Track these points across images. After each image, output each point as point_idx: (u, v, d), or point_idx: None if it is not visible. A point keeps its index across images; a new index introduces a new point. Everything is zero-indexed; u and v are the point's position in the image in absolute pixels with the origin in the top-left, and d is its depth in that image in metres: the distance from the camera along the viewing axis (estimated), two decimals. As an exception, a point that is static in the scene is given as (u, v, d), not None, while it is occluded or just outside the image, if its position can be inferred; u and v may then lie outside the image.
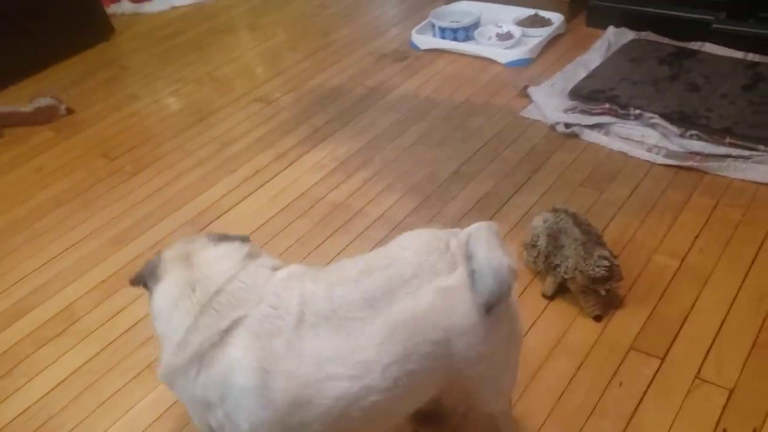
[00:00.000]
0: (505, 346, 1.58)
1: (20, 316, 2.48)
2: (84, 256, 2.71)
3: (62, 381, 2.21)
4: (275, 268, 1.56)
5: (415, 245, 1.51)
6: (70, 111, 3.67)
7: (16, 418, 2.10)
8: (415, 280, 1.45)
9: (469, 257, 1.47)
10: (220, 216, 2.82)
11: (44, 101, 3.64)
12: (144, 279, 1.60)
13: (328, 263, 2.48)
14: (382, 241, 2.59)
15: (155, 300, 1.55)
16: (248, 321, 1.44)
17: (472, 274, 1.45)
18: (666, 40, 3.54)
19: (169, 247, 1.61)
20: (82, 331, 2.39)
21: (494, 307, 1.45)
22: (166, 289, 1.52)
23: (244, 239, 1.65)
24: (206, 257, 1.56)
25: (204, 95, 3.75)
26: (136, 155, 3.29)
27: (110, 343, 2.32)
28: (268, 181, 3.01)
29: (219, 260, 1.55)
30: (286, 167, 3.08)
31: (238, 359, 1.42)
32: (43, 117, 3.61)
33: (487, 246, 1.47)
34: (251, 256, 1.58)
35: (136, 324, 2.38)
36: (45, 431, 2.06)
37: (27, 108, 3.61)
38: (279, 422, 1.44)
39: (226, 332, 1.44)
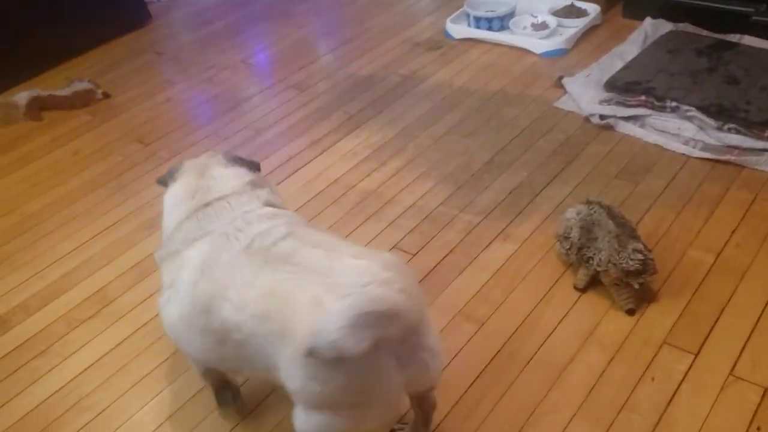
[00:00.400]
0: None
1: (54, 297, 2.51)
2: (117, 240, 2.74)
3: (95, 362, 2.24)
4: (268, 204, 1.74)
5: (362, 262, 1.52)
6: (106, 95, 3.71)
7: (49, 397, 2.14)
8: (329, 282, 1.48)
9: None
10: (253, 202, 2.83)
11: (81, 85, 3.68)
12: (165, 179, 1.88)
13: (359, 251, 2.51)
14: (414, 230, 2.59)
15: (165, 196, 1.85)
16: (214, 234, 1.65)
17: None
18: (704, 32, 3.48)
19: (193, 157, 1.91)
20: (115, 313, 2.41)
21: None
22: (175, 190, 1.82)
23: (254, 166, 1.89)
24: (215, 173, 1.80)
25: (238, 81, 3.76)
26: (170, 140, 3.31)
27: (142, 326, 2.35)
28: (300, 168, 3.01)
29: (223, 179, 1.78)
30: (320, 154, 3.08)
31: (191, 259, 1.66)
32: (80, 101, 3.64)
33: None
34: (254, 184, 1.79)
35: (168, 307, 2.40)
36: (77, 411, 2.08)
37: (64, 91, 3.65)
38: (195, 319, 1.63)
39: (196, 239, 1.68)
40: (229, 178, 1.79)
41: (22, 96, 3.61)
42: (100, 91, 3.69)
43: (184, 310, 1.66)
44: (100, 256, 2.67)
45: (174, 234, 1.74)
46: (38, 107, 3.61)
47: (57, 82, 3.83)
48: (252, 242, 1.59)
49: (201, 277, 1.62)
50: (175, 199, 1.80)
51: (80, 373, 2.21)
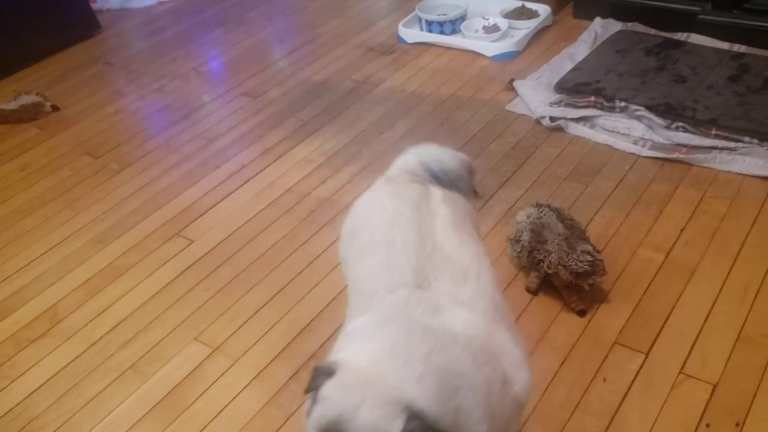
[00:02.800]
0: None
1: (2, 317, 2.46)
2: (67, 256, 2.69)
3: (45, 382, 2.20)
4: None
5: (388, 202, 1.63)
6: (55, 108, 3.65)
7: (-3, 420, 2.10)
8: (421, 211, 1.59)
9: (442, 174, 1.75)
10: (205, 212, 2.81)
11: (29, 98, 3.61)
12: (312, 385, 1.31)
13: (314, 260, 2.50)
14: (366, 238, 2.57)
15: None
16: None
17: (451, 182, 1.75)
18: (653, 31, 3.52)
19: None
20: (66, 331, 2.37)
21: None
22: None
23: None
24: None
25: (190, 90, 3.72)
26: (121, 153, 3.26)
27: (93, 344, 2.31)
28: (253, 176, 2.99)
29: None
30: (273, 162, 3.06)
31: None
32: (28, 114, 3.58)
33: (449, 158, 1.81)
34: None
35: (118, 324, 2.37)
36: (26, 434, 2.05)
37: (11, 105, 3.58)
38: None
39: None
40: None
41: (-32, 111, 3.54)
42: (48, 104, 3.63)
43: None
44: (49, 273, 2.62)
45: None
46: (-16, 122, 3.55)
47: (3, 96, 3.76)
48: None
49: None
50: None
51: (29, 395, 2.16)
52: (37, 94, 3.66)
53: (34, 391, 2.17)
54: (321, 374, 1.24)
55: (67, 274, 2.61)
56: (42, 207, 2.97)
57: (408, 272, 1.46)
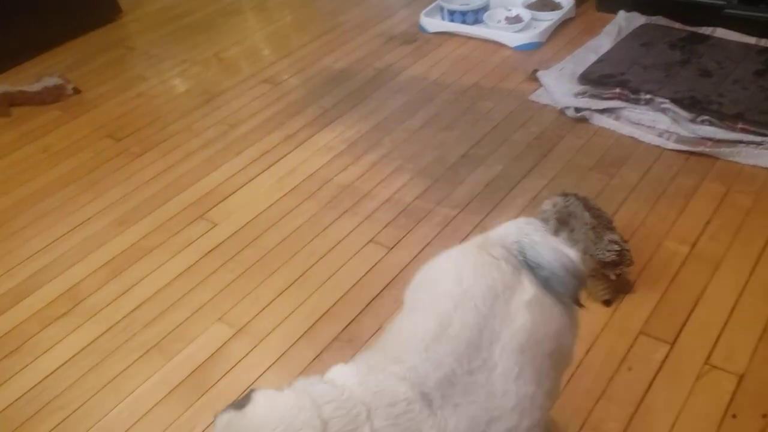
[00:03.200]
0: None
1: (25, 295, 2.47)
2: (89, 237, 2.70)
3: (67, 361, 2.20)
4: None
5: (469, 274, 1.36)
6: (77, 91, 3.65)
7: (20, 397, 2.10)
8: (496, 306, 1.31)
9: (534, 266, 1.39)
10: (227, 197, 2.81)
11: (51, 81, 3.62)
12: None
13: (336, 245, 2.49)
14: (390, 224, 2.57)
15: None
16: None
17: (545, 280, 1.38)
18: (677, 25, 3.50)
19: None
20: (88, 311, 2.38)
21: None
22: None
23: None
24: None
25: (211, 76, 3.72)
26: (142, 136, 3.27)
27: (115, 324, 2.31)
28: (275, 163, 2.99)
29: None
30: (294, 149, 3.06)
31: None
32: (50, 96, 3.59)
33: (548, 249, 1.39)
34: None
35: (141, 304, 2.37)
36: (49, 410, 2.05)
37: (34, 87, 3.59)
38: None
39: None
40: None
41: (-10, 92, 3.55)
42: (70, 87, 3.64)
43: None
44: (71, 253, 2.63)
45: None
46: (7, 103, 3.55)
47: (26, 78, 3.77)
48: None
49: None
50: None
51: (52, 372, 2.17)
52: (59, 76, 3.67)
53: (58, 368, 2.18)
54: (233, 404, 1.22)
55: (89, 254, 2.61)
56: (63, 188, 2.97)
57: (431, 377, 1.25)
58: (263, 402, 1.21)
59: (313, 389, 1.24)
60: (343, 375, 1.29)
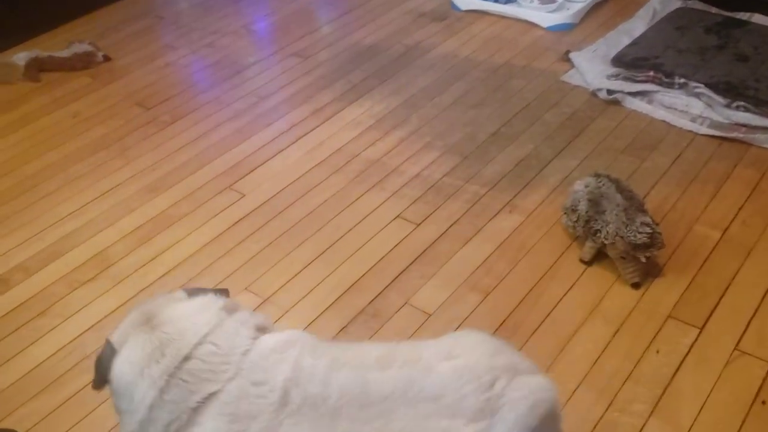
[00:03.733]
0: None
1: (54, 258, 2.48)
2: (118, 203, 2.71)
3: (96, 323, 2.22)
4: (260, 329, 1.32)
5: (460, 363, 1.21)
6: (107, 58, 3.66)
7: (50, 357, 2.11)
8: (443, 405, 1.17)
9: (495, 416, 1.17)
10: (256, 168, 2.81)
11: (81, 47, 3.62)
12: (104, 365, 1.30)
13: (363, 219, 2.49)
14: (418, 200, 2.57)
15: (115, 376, 1.28)
16: (223, 398, 1.20)
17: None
18: (714, 9, 3.46)
19: (121, 321, 1.36)
20: (116, 276, 2.39)
21: None
22: (127, 364, 1.26)
23: (220, 292, 1.39)
24: (172, 314, 1.30)
25: (240, 48, 3.71)
26: (172, 105, 3.27)
27: (143, 290, 2.32)
28: (303, 136, 2.98)
29: (187, 317, 1.29)
30: (323, 122, 3.05)
31: None
32: (80, 63, 3.59)
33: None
34: (228, 309, 1.33)
35: (169, 271, 2.38)
36: (78, 371, 2.07)
37: (64, 53, 3.59)
38: None
39: (195, 411, 1.20)
40: (194, 313, 1.30)
41: (21, 57, 3.55)
42: (100, 54, 3.64)
43: None
44: (100, 218, 2.64)
45: (152, 415, 1.21)
46: (37, 68, 3.56)
47: (57, 44, 3.77)
48: (287, 393, 1.20)
49: None
50: (132, 376, 1.24)
51: (81, 334, 2.18)
52: (89, 43, 3.67)
53: (86, 330, 2.19)
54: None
55: (118, 220, 2.62)
56: (93, 154, 2.98)
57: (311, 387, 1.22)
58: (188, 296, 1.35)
59: (243, 315, 1.31)
60: (288, 335, 1.30)
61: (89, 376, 2.00)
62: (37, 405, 1.98)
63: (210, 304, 1.33)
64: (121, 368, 1.26)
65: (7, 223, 2.64)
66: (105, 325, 2.20)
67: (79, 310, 2.27)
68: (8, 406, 1.98)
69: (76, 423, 1.93)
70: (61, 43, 3.75)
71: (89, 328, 2.20)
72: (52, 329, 2.20)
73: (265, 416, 1.18)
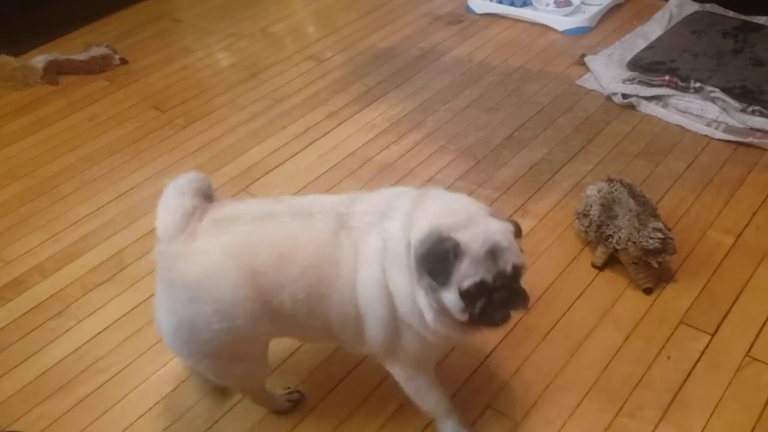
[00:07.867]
0: None
1: (70, 260, 2.51)
2: (134, 205, 2.73)
3: (110, 325, 2.24)
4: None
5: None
6: (124, 61, 3.69)
7: (65, 358, 2.14)
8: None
9: None
10: (270, 171, 2.83)
11: (99, 50, 3.66)
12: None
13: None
14: (430, 204, 2.57)
15: None
16: None
17: None
18: (731, 14, 3.44)
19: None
20: (130, 278, 2.41)
21: None
22: None
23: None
24: None
25: (257, 51, 3.74)
26: (187, 108, 3.29)
27: (158, 291, 2.34)
28: (318, 139, 3.00)
29: None
30: (337, 126, 3.07)
31: None
32: (98, 66, 3.63)
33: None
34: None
35: (183, 273, 2.39)
36: (93, 371, 2.09)
37: (82, 56, 3.63)
38: None
39: None
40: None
41: (39, 60, 3.59)
42: (117, 57, 3.67)
43: None
44: (116, 221, 2.66)
45: None
46: (55, 71, 3.60)
47: (75, 47, 3.81)
48: None
49: None
50: None
51: (95, 336, 2.21)
52: (106, 46, 3.70)
53: (100, 332, 2.22)
54: None
55: (133, 222, 2.65)
56: (109, 156, 3.01)
57: None
58: None
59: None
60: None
61: (102, 377, 2.05)
62: (50, 407, 2.00)
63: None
64: None
65: (25, 225, 2.67)
66: (118, 327, 2.22)
67: (94, 312, 2.29)
68: (22, 407, 2.01)
69: (88, 425, 1.95)
70: (79, 46, 3.79)
71: (102, 330, 2.22)
72: (66, 331, 2.23)
73: None
